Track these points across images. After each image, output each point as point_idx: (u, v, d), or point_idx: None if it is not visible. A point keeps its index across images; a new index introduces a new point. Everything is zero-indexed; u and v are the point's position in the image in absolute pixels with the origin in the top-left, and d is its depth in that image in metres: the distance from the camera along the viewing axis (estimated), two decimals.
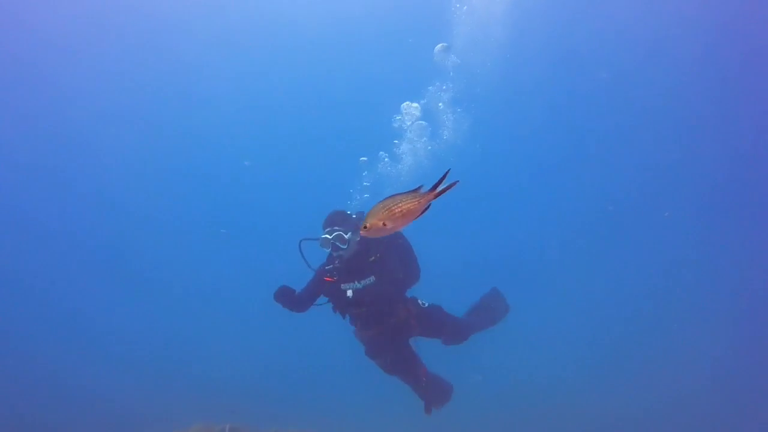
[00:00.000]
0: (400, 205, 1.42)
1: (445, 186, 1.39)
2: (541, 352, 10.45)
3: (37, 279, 13.74)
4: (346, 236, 3.43)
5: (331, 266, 3.56)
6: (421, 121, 6.56)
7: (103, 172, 14.15)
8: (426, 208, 1.44)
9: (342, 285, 3.49)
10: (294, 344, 11.21)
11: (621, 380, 8.65)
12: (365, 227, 1.51)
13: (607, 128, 13.49)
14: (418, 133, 6.59)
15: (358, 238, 3.46)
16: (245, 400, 8.04)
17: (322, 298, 3.65)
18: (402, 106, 6.44)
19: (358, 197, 6.15)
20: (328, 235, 3.44)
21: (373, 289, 3.47)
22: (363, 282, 3.49)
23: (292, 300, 3.51)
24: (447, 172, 1.40)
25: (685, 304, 11.45)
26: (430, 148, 6.84)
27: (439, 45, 5.75)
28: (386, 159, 6.82)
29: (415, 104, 6.40)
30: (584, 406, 7.57)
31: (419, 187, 1.44)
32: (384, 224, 1.46)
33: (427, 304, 3.82)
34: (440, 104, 7.15)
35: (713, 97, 12.19)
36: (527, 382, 9.14)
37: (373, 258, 3.46)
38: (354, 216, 3.63)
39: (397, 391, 4.09)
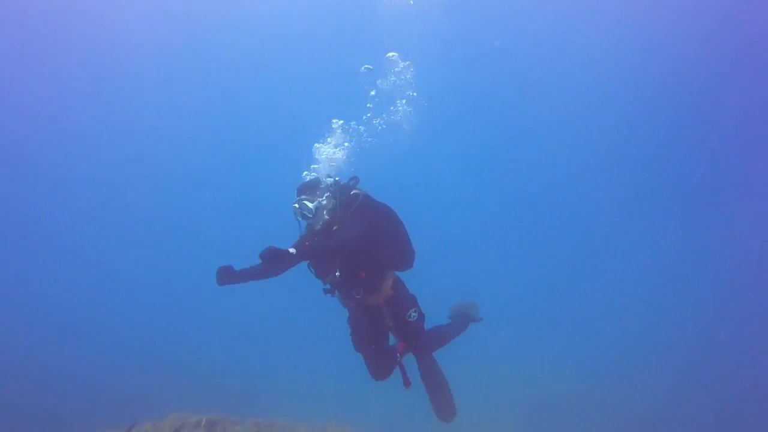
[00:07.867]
0: None
1: None
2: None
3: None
4: (310, 205, 3.35)
5: (307, 233, 3.54)
6: None
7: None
8: None
9: None
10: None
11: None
12: None
13: None
14: None
15: (329, 207, 3.40)
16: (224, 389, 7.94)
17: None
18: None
19: None
20: (296, 204, 3.38)
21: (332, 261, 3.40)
22: None
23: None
24: None
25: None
26: None
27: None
28: None
29: None
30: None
31: None
32: None
33: (415, 317, 3.72)
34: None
35: None
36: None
37: (336, 227, 3.37)
38: (330, 180, 3.53)
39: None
